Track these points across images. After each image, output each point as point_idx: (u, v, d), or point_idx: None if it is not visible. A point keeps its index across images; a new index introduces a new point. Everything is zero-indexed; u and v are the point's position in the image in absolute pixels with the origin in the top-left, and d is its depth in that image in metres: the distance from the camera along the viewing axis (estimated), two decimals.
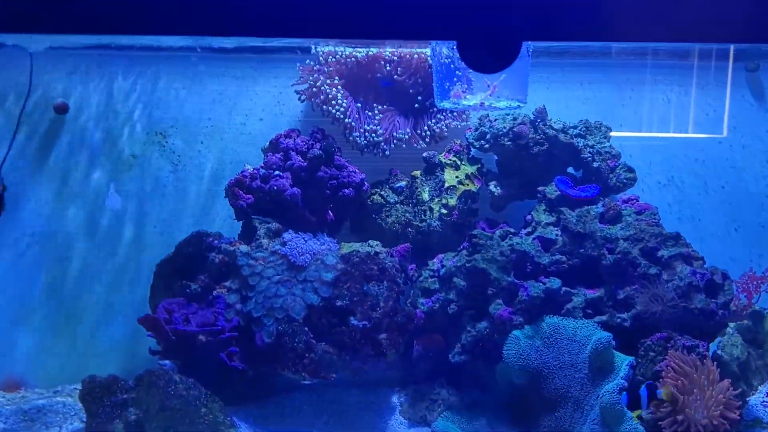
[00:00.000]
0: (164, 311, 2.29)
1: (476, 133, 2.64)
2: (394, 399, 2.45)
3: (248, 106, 2.75)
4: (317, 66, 2.56)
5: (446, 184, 2.57)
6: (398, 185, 2.63)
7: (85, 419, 2.13)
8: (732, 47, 2.55)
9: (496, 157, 2.68)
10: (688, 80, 2.76)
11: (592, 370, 2.16)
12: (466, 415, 2.31)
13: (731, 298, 2.27)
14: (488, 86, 2.08)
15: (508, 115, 2.59)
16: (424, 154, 2.63)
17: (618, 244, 2.30)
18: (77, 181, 2.65)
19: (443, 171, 2.61)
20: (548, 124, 2.58)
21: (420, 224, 2.55)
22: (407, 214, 2.57)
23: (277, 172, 2.47)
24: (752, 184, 2.78)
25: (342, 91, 2.55)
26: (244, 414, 2.29)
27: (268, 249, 2.36)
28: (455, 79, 2.19)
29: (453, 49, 2.15)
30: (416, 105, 2.63)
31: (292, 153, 2.50)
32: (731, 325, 2.29)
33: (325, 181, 2.51)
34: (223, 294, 2.33)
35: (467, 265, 2.33)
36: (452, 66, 2.20)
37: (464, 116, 2.66)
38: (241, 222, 2.51)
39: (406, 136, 2.58)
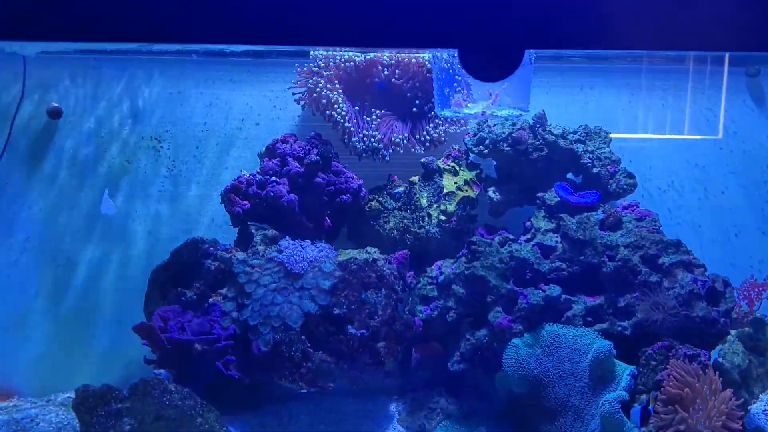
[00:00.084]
0: (159, 319, 2.26)
1: (475, 138, 2.61)
2: (392, 408, 2.42)
3: (244, 111, 2.72)
4: (317, 68, 2.54)
5: (445, 190, 2.54)
6: (396, 191, 2.60)
7: (78, 429, 2.10)
8: (727, 54, 2.54)
9: (495, 163, 2.66)
10: (687, 84, 2.74)
11: (592, 379, 2.14)
12: (465, 424, 2.29)
13: (733, 306, 2.25)
14: (490, 94, 2.06)
15: (507, 120, 2.57)
16: (423, 160, 2.61)
17: (618, 251, 2.28)
18: (71, 187, 2.62)
19: (442, 177, 2.58)
20: (548, 129, 2.56)
21: (418, 231, 2.52)
22: (405, 221, 2.55)
23: (273, 178, 2.45)
24: (753, 190, 2.76)
25: (342, 95, 2.52)
26: (241, 423, 2.26)
27: (265, 256, 2.33)
28: (455, 84, 2.16)
29: (453, 55, 2.13)
30: (414, 109, 2.60)
31: (289, 158, 2.48)
32: (732, 332, 2.27)
33: (322, 187, 2.48)
34: (219, 302, 2.30)
35: (466, 272, 2.30)
36: (451, 71, 2.18)
37: (463, 121, 2.63)
38: (237, 228, 2.48)
39: (404, 141, 2.55)
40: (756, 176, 2.77)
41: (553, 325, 2.23)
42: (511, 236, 2.46)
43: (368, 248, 2.43)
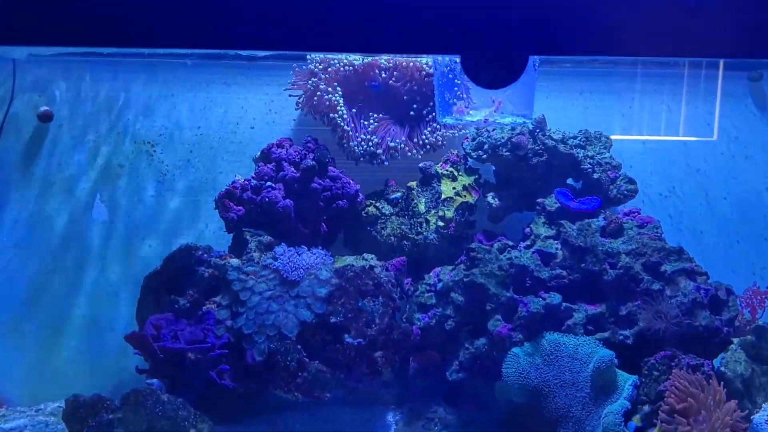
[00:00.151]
0: (152, 327, 2.22)
1: (474, 143, 2.58)
2: (390, 417, 2.38)
3: (239, 114, 2.68)
4: (316, 70, 2.49)
5: (443, 196, 2.50)
6: (394, 197, 2.56)
7: None
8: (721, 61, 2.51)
9: (493, 168, 2.62)
10: (689, 89, 2.71)
11: (594, 390, 2.11)
12: None
13: (736, 315, 2.22)
14: (492, 101, 2.01)
15: (508, 126, 2.53)
16: (420, 165, 2.57)
17: (620, 258, 2.25)
18: (62, 192, 2.57)
19: (440, 182, 2.54)
20: (547, 134, 2.52)
21: (416, 237, 2.48)
22: (403, 227, 2.51)
23: (269, 183, 2.41)
24: (755, 196, 2.73)
25: (342, 98, 2.48)
26: None
27: (260, 263, 2.29)
28: (455, 88, 2.12)
29: (453, 59, 2.08)
30: (412, 113, 2.56)
31: (285, 163, 2.43)
32: (735, 340, 2.25)
33: (318, 193, 2.44)
34: (212, 310, 2.26)
35: (465, 279, 2.26)
36: (451, 75, 2.13)
37: (461, 125, 2.59)
38: (231, 235, 2.44)
39: (402, 146, 2.51)
40: (758, 182, 2.74)
41: (554, 333, 2.20)
42: (511, 243, 2.42)
43: (365, 255, 2.39)
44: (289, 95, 2.54)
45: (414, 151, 2.53)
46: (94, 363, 2.53)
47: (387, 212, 2.55)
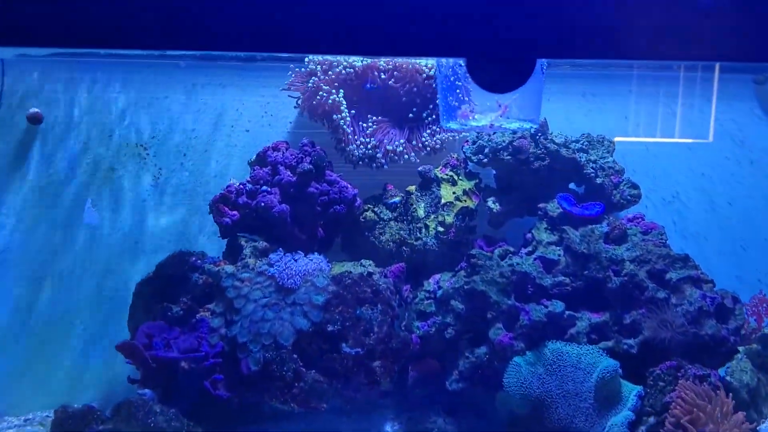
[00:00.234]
0: (144, 336, 2.16)
1: (474, 146, 2.52)
2: (388, 427, 2.33)
3: (234, 117, 2.62)
4: (318, 71, 2.44)
5: (443, 200, 2.45)
6: (392, 201, 2.51)
7: None
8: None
9: (494, 172, 2.57)
10: (691, 91, 2.67)
11: (597, 400, 2.06)
12: None
13: (743, 323, 2.18)
14: (499, 105, 1.96)
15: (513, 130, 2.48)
16: (420, 169, 2.51)
17: (624, 265, 2.20)
18: (52, 196, 2.51)
19: (439, 186, 2.49)
20: (549, 137, 2.47)
21: (415, 242, 2.43)
22: (402, 232, 2.45)
23: (264, 188, 2.35)
24: (761, 201, 2.69)
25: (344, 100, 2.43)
26: None
27: (255, 269, 2.23)
28: (457, 90, 2.06)
29: (458, 64, 2.03)
30: (411, 116, 2.51)
31: (281, 167, 2.38)
32: (740, 349, 2.20)
33: (315, 197, 2.39)
34: (206, 317, 2.21)
35: (465, 287, 2.21)
36: (452, 78, 2.08)
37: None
38: (226, 240, 2.38)
39: (401, 149, 2.46)
40: (764, 187, 2.69)
41: (557, 342, 2.15)
42: (512, 248, 2.37)
43: (363, 261, 2.34)
44: (288, 95, 2.48)
45: (413, 154, 2.47)
46: (85, 372, 2.47)
47: (385, 217, 2.49)
